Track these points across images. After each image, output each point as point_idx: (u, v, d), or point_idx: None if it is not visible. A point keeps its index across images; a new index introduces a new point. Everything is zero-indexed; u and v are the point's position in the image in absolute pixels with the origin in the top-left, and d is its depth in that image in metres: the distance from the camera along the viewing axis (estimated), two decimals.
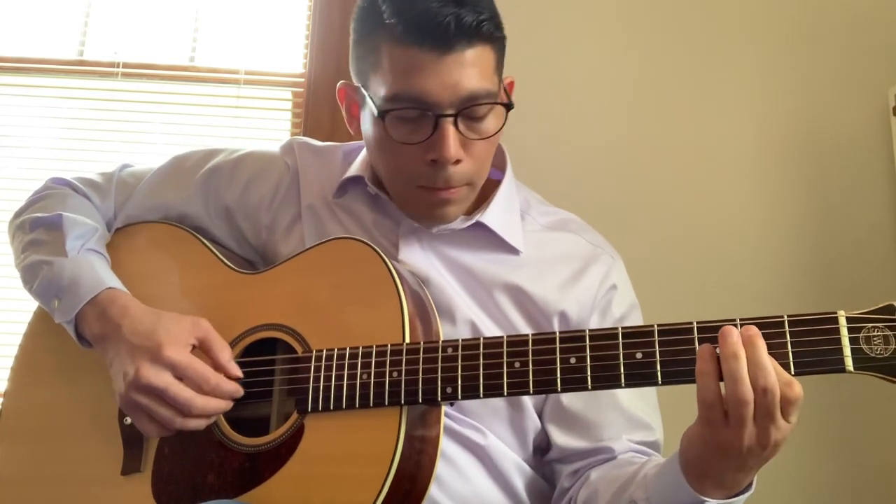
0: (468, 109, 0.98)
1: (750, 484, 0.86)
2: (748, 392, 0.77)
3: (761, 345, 0.78)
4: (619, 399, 1.06)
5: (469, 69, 0.97)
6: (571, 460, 1.06)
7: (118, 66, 2.00)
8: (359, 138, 1.12)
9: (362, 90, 1.04)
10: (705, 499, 0.84)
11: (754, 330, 0.79)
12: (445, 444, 1.00)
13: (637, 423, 1.06)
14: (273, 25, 2.09)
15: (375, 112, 0.99)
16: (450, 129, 0.97)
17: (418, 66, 0.96)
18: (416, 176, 1.02)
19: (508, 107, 1.02)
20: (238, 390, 0.98)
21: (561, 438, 1.06)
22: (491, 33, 0.99)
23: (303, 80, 1.99)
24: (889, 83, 1.87)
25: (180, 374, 0.96)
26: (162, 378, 0.94)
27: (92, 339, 1.04)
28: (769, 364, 0.77)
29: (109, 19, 2.07)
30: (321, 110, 1.94)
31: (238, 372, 0.99)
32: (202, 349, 0.99)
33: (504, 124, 1.03)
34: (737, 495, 0.85)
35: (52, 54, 2.03)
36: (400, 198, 1.08)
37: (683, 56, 1.95)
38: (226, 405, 0.97)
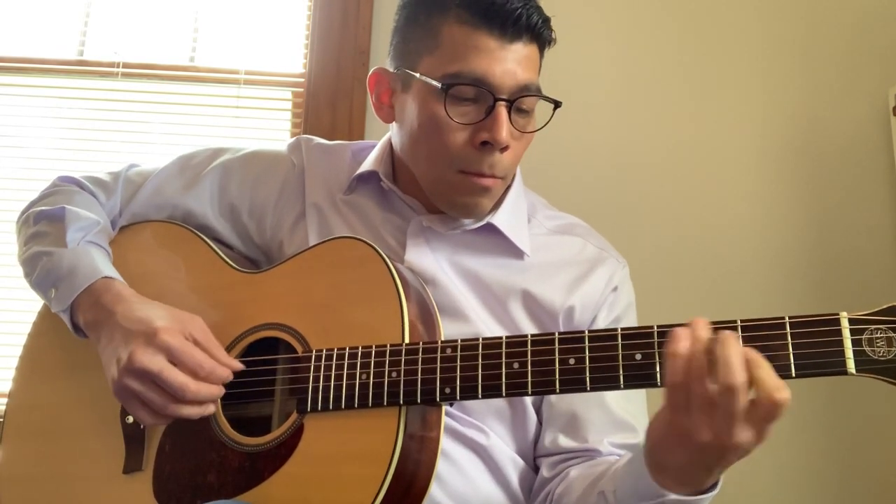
0: (519, 100, 1.01)
1: (714, 484, 0.83)
2: (714, 387, 0.74)
3: (733, 343, 0.75)
4: (605, 398, 1.06)
5: (525, 62, 1.01)
6: (555, 457, 1.06)
7: (118, 66, 2.00)
8: (386, 125, 1.13)
9: (409, 73, 1.04)
10: (665, 491, 0.82)
11: (727, 332, 0.76)
12: (447, 444, 1.00)
13: (620, 425, 1.06)
14: (273, 25, 2.08)
15: (438, 86, 1.00)
16: (504, 114, 1.00)
17: (484, 49, 0.99)
18: (460, 159, 1.02)
19: (557, 104, 1.05)
20: (230, 376, 0.98)
21: (548, 436, 1.07)
22: (547, 39, 1.05)
23: (303, 80, 1.99)
24: (889, 83, 1.87)
25: (175, 359, 0.95)
26: (156, 362, 0.94)
27: (85, 327, 1.04)
28: (737, 362, 0.74)
29: (109, 19, 2.07)
30: (321, 110, 1.94)
31: (238, 364, 0.99)
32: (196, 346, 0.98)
33: (540, 128, 1.06)
34: (699, 493, 0.83)
35: (52, 54, 2.02)
36: (437, 184, 1.07)
37: (683, 57, 1.95)
38: (219, 392, 0.97)
